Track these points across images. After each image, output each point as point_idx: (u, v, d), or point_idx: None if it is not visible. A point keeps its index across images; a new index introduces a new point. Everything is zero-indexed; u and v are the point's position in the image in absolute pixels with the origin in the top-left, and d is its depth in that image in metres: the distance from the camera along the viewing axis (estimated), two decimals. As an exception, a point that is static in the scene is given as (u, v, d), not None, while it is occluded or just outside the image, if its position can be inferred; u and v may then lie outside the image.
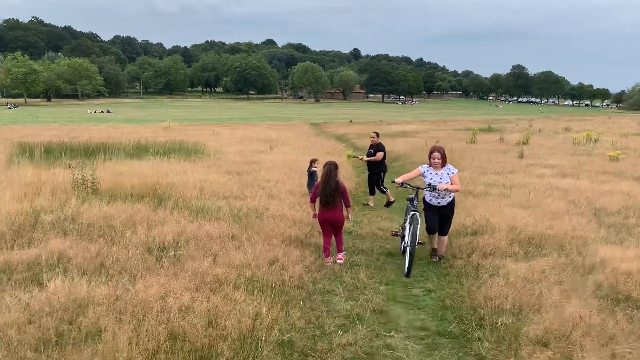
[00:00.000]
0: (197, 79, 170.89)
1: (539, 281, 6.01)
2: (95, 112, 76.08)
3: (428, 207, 7.60)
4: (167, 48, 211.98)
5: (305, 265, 6.79)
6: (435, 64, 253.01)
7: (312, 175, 11.71)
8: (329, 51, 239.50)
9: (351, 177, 15.92)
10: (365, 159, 11.94)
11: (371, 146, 11.92)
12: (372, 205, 11.96)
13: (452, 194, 7.49)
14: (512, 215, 9.38)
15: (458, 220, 8.98)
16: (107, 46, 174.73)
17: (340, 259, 7.43)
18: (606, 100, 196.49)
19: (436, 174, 7.46)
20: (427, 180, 7.50)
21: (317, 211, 7.44)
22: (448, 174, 7.45)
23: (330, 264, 7.26)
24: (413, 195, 7.73)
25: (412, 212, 7.40)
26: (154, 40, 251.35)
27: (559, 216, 9.45)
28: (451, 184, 7.38)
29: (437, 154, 7.43)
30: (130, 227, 7.97)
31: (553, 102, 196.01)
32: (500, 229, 8.40)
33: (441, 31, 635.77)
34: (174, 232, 7.73)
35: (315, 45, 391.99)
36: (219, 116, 66.38)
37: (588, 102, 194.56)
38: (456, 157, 19.25)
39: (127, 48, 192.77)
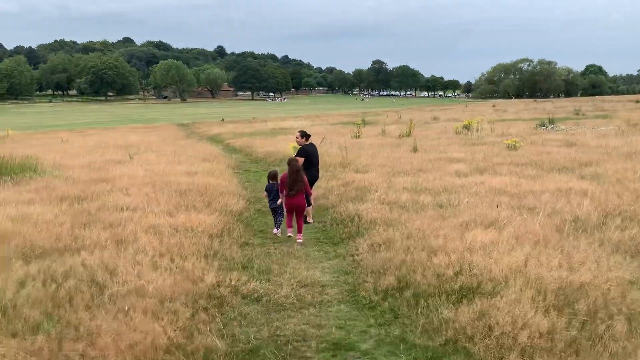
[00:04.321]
0: (46, 82, 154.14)
1: None
2: None
3: None
4: (9, 49, 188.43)
5: None
6: (301, 60, 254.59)
7: (270, 191, 9.31)
8: (193, 49, 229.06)
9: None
10: None
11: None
12: (311, 221, 9.79)
13: None
14: (497, 249, 6.29)
15: (431, 267, 5.83)
16: None
17: (299, 238, 8.33)
18: (457, 91, 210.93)
19: None
20: None
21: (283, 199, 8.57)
22: None
23: (290, 234, 8.53)
24: None
25: None
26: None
27: (551, 241, 6.66)
28: None
29: None
30: None
31: (411, 94, 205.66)
32: (506, 281, 5.21)
33: (303, 28, 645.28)
34: None
35: (178, 43, 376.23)
36: (73, 121, 59.53)
37: (441, 93, 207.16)
38: (352, 155, 16.42)
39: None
